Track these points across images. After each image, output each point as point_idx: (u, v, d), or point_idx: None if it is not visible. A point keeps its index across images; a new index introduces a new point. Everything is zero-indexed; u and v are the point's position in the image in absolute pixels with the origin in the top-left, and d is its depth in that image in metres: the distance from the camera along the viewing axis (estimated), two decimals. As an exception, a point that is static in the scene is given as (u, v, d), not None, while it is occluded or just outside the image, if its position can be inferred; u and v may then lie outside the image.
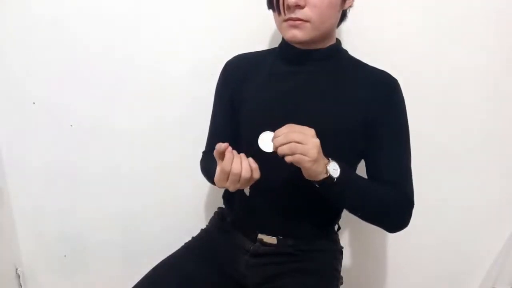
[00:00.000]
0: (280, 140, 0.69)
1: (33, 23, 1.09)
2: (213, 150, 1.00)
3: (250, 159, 0.74)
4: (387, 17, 1.09)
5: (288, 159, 0.70)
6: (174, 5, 1.09)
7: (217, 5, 1.09)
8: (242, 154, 0.75)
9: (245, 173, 0.72)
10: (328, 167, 0.72)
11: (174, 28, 1.11)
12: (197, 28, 1.11)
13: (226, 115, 0.97)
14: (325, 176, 0.72)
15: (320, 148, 0.70)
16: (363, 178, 0.84)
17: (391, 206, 0.83)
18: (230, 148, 0.73)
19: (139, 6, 1.09)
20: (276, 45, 0.95)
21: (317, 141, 0.70)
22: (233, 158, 0.73)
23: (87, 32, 1.10)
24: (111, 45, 1.12)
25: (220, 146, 0.73)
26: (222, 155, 0.73)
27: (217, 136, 1.00)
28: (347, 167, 0.77)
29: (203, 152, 1.03)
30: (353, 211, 0.84)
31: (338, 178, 0.73)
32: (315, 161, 0.69)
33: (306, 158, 0.69)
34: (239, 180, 0.73)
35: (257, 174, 0.74)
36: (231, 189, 0.75)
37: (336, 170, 0.73)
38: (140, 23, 1.10)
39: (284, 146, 0.69)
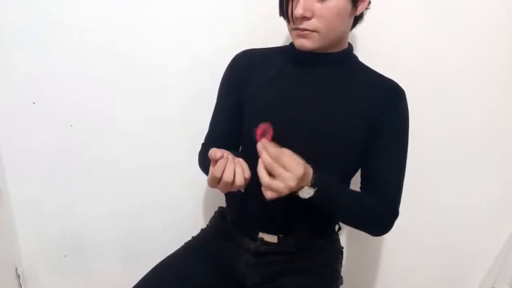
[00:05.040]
0: (264, 161, 0.70)
1: (33, 22, 1.09)
2: (212, 144, 1.00)
3: (246, 167, 0.75)
4: (390, 20, 1.09)
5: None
6: (174, 5, 1.09)
7: (218, 4, 1.09)
8: (239, 160, 0.75)
9: (239, 181, 0.73)
10: (299, 192, 0.73)
11: (174, 28, 1.11)
12: (197, 28, 1.11)
13: (230, 110, 0.96)
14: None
15: (300, 180, 0.70)
16: (347, 193, 0.85)
17: (372, 218, 0.87)
18: (225, 155, 0.73)
19: (139, 6, 1.09)
20: (277, 44, 0.95)
21: (295, 179, 0.69)
22: (225, 166, 0.73)
23: (87, 31, 1.10)
24: (111, 45, 1.11)
25: (215, 154, 0.72)
26: (215, 161, 0.73)
27: (217, 131, 1.00)
28: (329, 184, 0.78)
29: (203, 144, 1.03)
30: (335, 218, 0.93)
31: (309, 198, 0.74)
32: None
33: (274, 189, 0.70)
34: (231, 185, 0.74)
35: (248, 174, 0.74)
36: (223, 192, 0.77)
37: (309, 193, 0.74)
38: (140, 24, 1.10)
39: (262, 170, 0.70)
